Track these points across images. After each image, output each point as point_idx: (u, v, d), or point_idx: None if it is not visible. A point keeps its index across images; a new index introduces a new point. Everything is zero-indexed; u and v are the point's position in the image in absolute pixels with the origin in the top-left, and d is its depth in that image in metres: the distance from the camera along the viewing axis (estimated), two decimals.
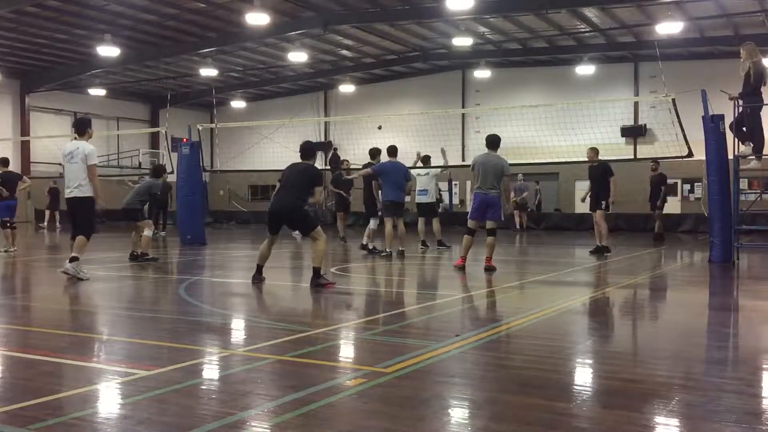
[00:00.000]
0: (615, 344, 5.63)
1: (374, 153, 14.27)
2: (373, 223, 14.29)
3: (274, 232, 9.01)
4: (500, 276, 10.11)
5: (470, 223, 10.86)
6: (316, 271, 8.66)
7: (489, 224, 10.76)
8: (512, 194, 22.25)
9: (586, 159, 14.51)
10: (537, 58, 30.45)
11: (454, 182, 31.64)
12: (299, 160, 9.10)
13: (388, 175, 13.05)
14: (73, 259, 9.29)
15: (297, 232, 20.74)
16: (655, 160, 18.54)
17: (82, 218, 9.59)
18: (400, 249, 13.16)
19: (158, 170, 13.89)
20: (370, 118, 30.06)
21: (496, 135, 10.86)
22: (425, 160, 15.35)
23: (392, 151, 13.34)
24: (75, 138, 9.83)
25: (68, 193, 9.53)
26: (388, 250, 12.96)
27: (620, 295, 8.61)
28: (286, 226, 9.14)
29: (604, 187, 13.96)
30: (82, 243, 9.46)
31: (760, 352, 5.38)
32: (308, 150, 9.17)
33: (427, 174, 15.04)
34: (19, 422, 3.39)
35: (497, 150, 10.76)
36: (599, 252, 13.80)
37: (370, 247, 13.68)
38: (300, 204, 8.81)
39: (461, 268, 10.55)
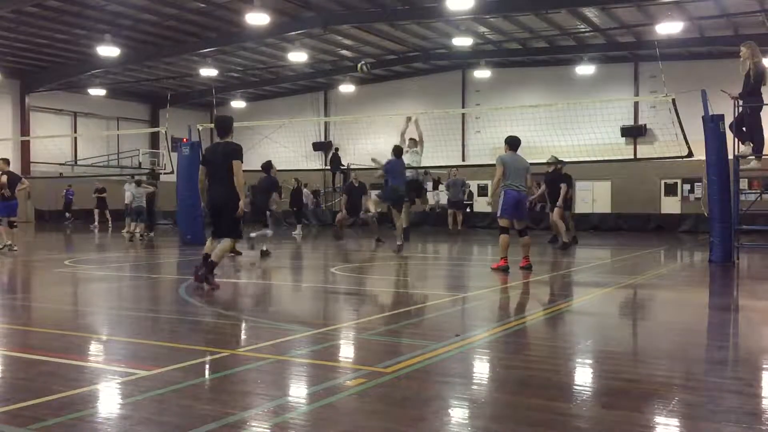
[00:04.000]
0: (615, 344, 5.62)
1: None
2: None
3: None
4: (500, 276, 10.10)
5: (506, 222, 10.60)
6: (212, 266, 8.25)
7: (520, 224, 10.74)
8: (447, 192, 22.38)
9: (551, 162, 16.18)
10: (537, 58, 30.46)
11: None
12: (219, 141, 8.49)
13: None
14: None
15: (296, 232, 20.92)
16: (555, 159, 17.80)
17: None
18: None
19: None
20: (370, 118, 30.07)
21: (517, 136, 10.97)
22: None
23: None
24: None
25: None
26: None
27: (620, 295, 8.61)
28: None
29: (558, 190, 15.59)
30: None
31: (760, 352, 5.38)
32: (226, 126, 8.52)
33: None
34: (19, 422, 3.39)
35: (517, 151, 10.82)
36: (565, 246, 15.11)
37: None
38: (234, 196, 8.22)
39: (505, 270, 10.30)
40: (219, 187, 8.29)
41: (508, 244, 10.51)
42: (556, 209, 15.45)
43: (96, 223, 27.49)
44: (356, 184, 17.60)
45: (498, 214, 10.70)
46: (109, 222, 27.58)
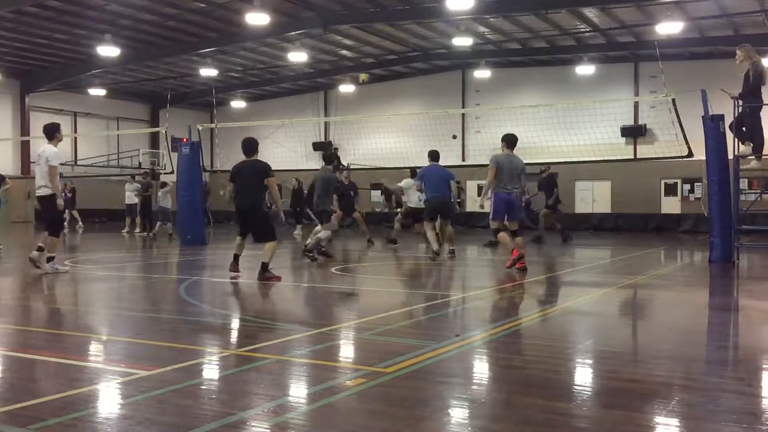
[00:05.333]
0: (615, 344, 5.62)
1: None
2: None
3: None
4: (499, 276, 10.10)
5: (498, 224, 10.68)
6: (265, 266, 9.15)
7: (513, 224, 10.74)
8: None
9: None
10: (537, 58, 30.43)
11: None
12: (250, 159, 9.50)
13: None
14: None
15: (296, 232, 20.93)
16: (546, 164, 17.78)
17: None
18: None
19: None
20: (370, 118, 30.07)
21: (515, 134, 10.87)
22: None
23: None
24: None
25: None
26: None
27: (620, 295, 8.61)
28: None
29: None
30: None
31: (760, 352, 5.38)
32: (253, 146, 9.51)
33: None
34: (19, 422, 3.39)
35: (514, 149, 10.75)
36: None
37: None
38: (261, 204, 9.47)
39: (520, 258, 10.29)
40: (247, 198, 9.27)
41: (508, 239, 10.56)
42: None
43: (67, 224, 27.03)
44: (346, 182, 17.03)
45: (490, 217, 10.77)
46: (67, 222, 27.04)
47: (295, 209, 21.54)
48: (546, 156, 22.78)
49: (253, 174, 9.25)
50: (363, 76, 23.42)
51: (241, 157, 9.61)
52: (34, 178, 31.65)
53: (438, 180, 12.63)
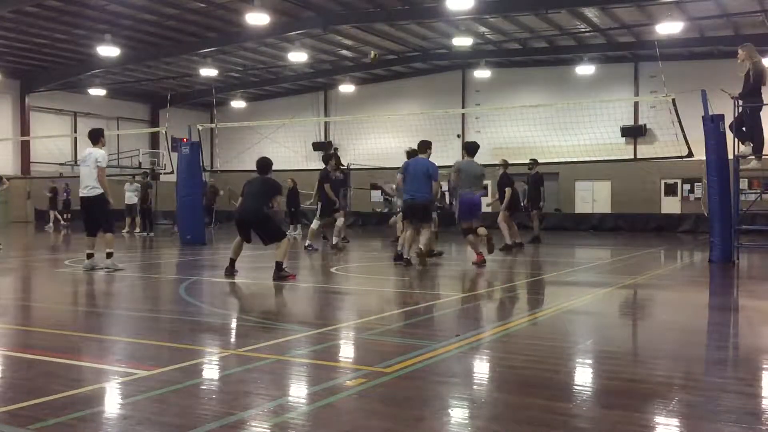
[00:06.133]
0: (615, 344, 5.62)
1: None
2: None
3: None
4: (500, 276, 10.10)
5: (466, 225, 11.41)
6: (279, 265, 9.38)
7: (476, 222, 11.40)
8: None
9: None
10: (537, 58, 30.45)
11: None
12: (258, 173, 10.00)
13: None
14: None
15: (296, 232, 20.94)
16: (533, 160, 17.74)
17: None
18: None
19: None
20: (370, 118, 30.07)
21: (476, 142, 11.94)
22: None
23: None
24: None
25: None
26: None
27: (620, 295, 8.61)
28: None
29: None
30: None
31: (760, 352, 5.38)
32: (267, 166, 10.00)
33: None
34: (19, 422, 3.39)
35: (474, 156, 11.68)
36: (507, 248, 14.60)
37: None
38: (264, 213, 9.70)
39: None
40: (251, 209, 9.61)
41: (475, 241, 11.35)
42: (501, 213, 15.46)
43: (51, 224, 26.80)
44: (340, 175, 16.15)
45: (458, 220, 11.55)
46: (53, 221, 26.86)
47: (291, 209, 21.51)
48: (546, 156, 22.77)
49: (262, 188, 9.72)
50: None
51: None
52: (33, 178, 31.72)
53: (417, 177, 10.97)
